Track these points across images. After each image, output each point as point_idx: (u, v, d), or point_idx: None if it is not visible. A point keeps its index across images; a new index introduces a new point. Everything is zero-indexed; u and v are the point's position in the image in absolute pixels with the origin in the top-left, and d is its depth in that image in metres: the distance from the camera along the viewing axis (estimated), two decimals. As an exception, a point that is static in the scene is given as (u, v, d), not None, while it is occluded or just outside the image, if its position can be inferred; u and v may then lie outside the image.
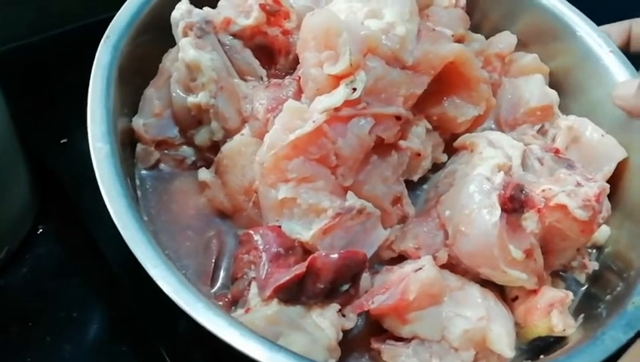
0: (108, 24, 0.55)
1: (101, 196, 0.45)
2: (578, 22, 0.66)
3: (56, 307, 0.61)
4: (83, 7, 0.74)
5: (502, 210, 0.48)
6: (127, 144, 0.56)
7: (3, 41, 0.73)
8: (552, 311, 0.48)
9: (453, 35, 0.58)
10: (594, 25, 0.65)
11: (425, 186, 0.60)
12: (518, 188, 0.49)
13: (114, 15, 0.55)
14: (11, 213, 0.62)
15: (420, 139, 0.56)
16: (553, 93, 0.65)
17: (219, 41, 0.55)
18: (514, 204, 0.49)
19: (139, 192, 0.56)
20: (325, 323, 0.44)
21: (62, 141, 0.69)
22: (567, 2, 0.68)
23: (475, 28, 0.69)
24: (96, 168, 0.45)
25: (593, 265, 0.55)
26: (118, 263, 0.60)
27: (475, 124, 0.59)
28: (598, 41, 0.64)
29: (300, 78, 0.53)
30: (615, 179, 0.58)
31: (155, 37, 0.58)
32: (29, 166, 0.65)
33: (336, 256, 0.44)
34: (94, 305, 0.62)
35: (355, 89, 0.49)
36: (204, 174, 0.56)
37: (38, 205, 0.67)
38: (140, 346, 0.60)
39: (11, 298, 0.62)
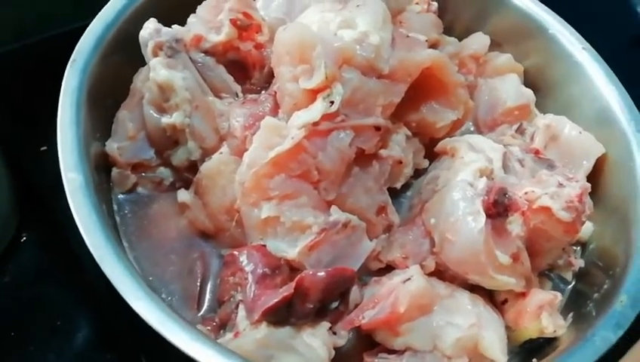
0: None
1: None
2: (549, 20, 0.67)
3: (40, 316, 0.61)
4: (64, 14, 0.73)
5: (486, 215, 0.48)
6: (101, 169, 0.54)
7: None
8: (542, 314, 0.48)
9: (427, 40, 0.58)
10: (565, 23, 0.66)
11: (408, 193, 0.60)
12: (501, 192, 0.49)
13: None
14: None
15: (400, 146, 0.55)
16: (529, 92, 0.66)
17: (190, 58, 0.54)
18: (498, 208, 0.49)
19: (117, 218, 0.54)
20: (317, 343, 0.44)
21: (42, 148, 0.68)
22: (537, 1, 0.69)
23: (446, 30, 0.69)
24: (70, 200, 0.44)
25: (579, 263, 0.56)
26: (97, 274, 0.59)
27: (454, 128, 0.59)
28: (570, 39, 0.65)
29: (276, 93, 0.52)
30: (595, 175, 0.58)
31: (124, 57, 0.56)
32: (10, 173, 0.64)
33: (323, 274, 0.43)
34: (78, 313, 0.62)
35: (332, 102, 0.48)
36: (183, 195, 0.54)
37: (21, 213, 0.66)
38: (124, 355, 0.59)
39: None
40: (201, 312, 0.50)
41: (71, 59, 0.51)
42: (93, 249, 0.41)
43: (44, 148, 0.69)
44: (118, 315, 0.58)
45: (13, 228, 0.65)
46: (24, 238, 0.66)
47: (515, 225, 0.49)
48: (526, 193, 0.50)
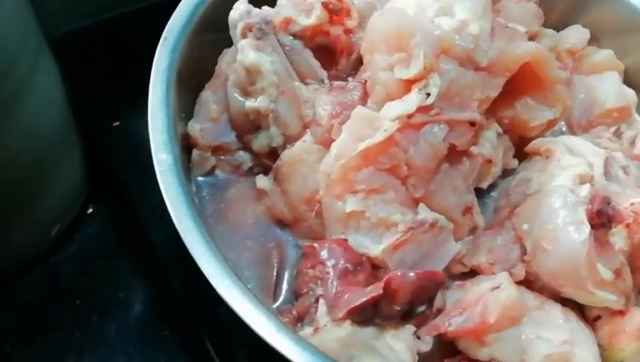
0: (165, 7, 0.53)
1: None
2: (658, 14, 0.61)
3: (103, 286, 0.63)
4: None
5: (589, 226, 0.44)
6: (184, 150, 0.54)
7: (61, 23, 0.73)
8: (643, 336, 0.45)
9: (526, 32, 0.54)
10: (678, 17, 0.60)
11: (493, 193, 0.56)
12: (605, 201, 0.46)
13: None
14: (63, 192, 0.63)
15: (491, 144, 0.52)
16: (631, 93, 0.61)
17: (279, 42, 0.52)
18: (601, 218, 0.45)
19: (196, 199, 0.54)
20: (400, 346, 0.42)
21: (114, 124, 0.69)
22: (644, -9, 0.63)
23: (541, 21, 0.64)
24: (160, 181, 0.43)
25: (684, 284, 0.51)
26: (165, 248, 0.60)
27: (547, 127, 0.55)
28: (682, 36, 0.59)
29: (365, 81, 0.50)
30: None
31: (209, 38, 0.56)
32: (82, 147, 0.66)
33: (413, 276, 0.41)
34: (139, 287, 0.63)
35: (428, 94, 0.46)
36: (262, 181, 0.53)
37: (90, 186, 0.68)
38: (182, 332, 0.60)
39: (61, 275, 0.64)
40: (277, 303, 0.49)
41: (162, 37, 0.51)
42: (183, 234, 0.41)
43: (117, 123, 0.70)
44: (183, 293, 0.59)
45: (82, 200, 0.68)
46: (90, 210, 0.69)
47: (619, 238, 0.46)
48: (632, 204, 0.47)
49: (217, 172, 0.56)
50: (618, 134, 0.60)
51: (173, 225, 0.43)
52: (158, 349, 0.60)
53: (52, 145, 0.58)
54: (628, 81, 0.63)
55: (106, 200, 0.69)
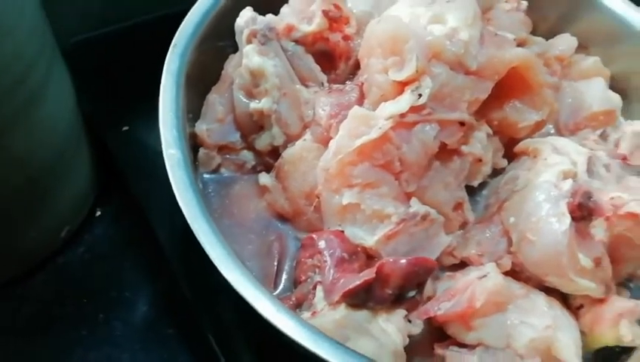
0: (174, 18, 0.56)
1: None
2: (643, 23, 0.64)
3: (110, 286, 0.65)
4: (151, 1, 0.77)
5: (570, 218, 0.47)
6: (190, 149, 0.57)
7: (74, 32, 0.76)
8: (621, 321, 0.47)
9: (515, 39, 0.58)
10: (662, 27, 0.63)
11: (484, 192, 0.59)
12: (586, 195, 0.49)
13: (180, 10, 0.57)
14: (73, 194, 0.65)
15: (481, 144, 0.55)
16: (616, 98, 0.64)
17: (281, 47, 0.56)
18: (582, 211, 0.48)
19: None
20: (392, 329, 0.45)
21: (123, 129, 0.72)
22: (629, 2, 0.66)
23: (532, 29, 0.67)
24: (170, 174, 0.46)
25: (662, 275, 0.54)
26: (171, 246, 0.62)
27: (535, 129, 0.58)
28: (666, 45, 0.62)
29: (362, 83, 0.54)
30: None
31: (215, 45, 0.59)
32: (92, 151, 0.68)
33: (404, 262, 0.44)
34: (145, 287, 0.65)
35: (420, 95, 0.49)
36: (264, 178, 0.57)
37: (98, 189, 0.71)
38: (186, 330, 0.62)
39: (70, 275, 0.66)
40: (277, 291, 0.52)
41: (172, 44, 0.54)
42: (191, 221, 0.44)
43: (126, 128, 0.72)
44: (188, 290, 0.61)
45: (91, 203, 0.70)
46: (98, 213, 0.71)
47: (599, 230, 0.49)
48: (612, 198, 0.49)
49: (222, 170, 0.59)
50: (604, 137, 0.62)
51: (180, 224, 0.45)
52: (163, 347, 0.62)
53: (63, 151, 0.61)
54: (614, 87, 0.66)
55: (114, 204, 0.72)
